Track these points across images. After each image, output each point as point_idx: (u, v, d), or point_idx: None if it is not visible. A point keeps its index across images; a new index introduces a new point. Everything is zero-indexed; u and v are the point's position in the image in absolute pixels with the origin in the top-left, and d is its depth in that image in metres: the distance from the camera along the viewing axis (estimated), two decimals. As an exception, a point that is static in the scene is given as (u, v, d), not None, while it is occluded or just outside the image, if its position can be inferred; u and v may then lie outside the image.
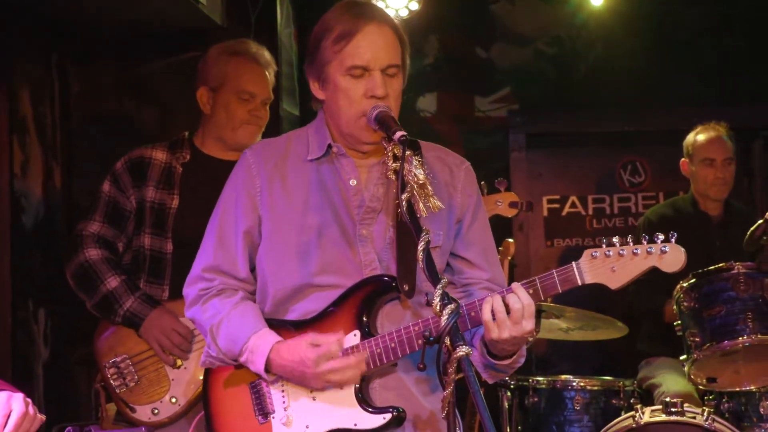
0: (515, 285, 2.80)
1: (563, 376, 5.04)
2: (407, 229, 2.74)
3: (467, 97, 6.59)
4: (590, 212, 6.67)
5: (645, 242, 2.78)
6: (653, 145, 6.61)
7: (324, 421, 2.91)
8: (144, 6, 5.03)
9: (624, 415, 4.59)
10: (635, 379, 5.20)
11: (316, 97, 3.04)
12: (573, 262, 2.81)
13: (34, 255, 5.09)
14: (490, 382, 2.99)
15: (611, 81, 6.48)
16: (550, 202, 6.69)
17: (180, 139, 4.29)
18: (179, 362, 4.03)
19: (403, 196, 2.69)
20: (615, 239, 2.79)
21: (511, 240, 5.22)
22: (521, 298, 2.76)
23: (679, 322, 4.74)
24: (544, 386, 4.98)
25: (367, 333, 2.90)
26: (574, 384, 4.97)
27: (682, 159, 5.55)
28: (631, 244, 2.78)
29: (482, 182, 4.38)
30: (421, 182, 2.72)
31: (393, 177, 2.81)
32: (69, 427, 3.27)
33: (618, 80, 6.47)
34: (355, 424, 2.88)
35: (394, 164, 2.79)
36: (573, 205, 6.68)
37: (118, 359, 4.07)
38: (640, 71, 6.46)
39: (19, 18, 5.01)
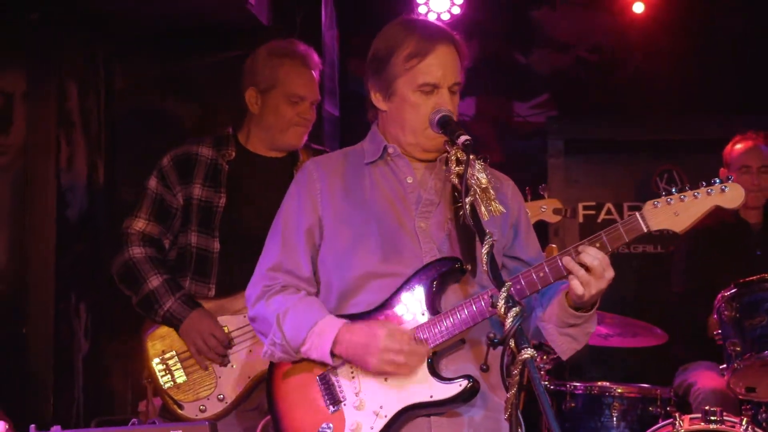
0: (583, 246, 2.87)
1: (600, 383, 5.04)
2: (466, 224, 2.82)
3: (506, 102, 6.60)
4: (626, 219, 6.64)
5: (703, 186, 2.87)
6: (690, 153, 6.58)
7: (398, 399, 2.95)
8: (192, 2, 5.06)
9: (662, 423, 4.57)
10: (671, 386, 5.19)
11: (377, 106, 3.14)
12: (636, 212, 2.91)
13: (77, 249, 5.12)
14: (565, 357, 3.01)
15: (650, 88, 6.47)
16: (586, 208, 6.67)
17: (225, 136, 4.27)
18: (210, 367, 4.04)
19: (467, 200, 2.75)
20: (673, 189, 2.90)
21: (554, 245, 5.22)
22: (595, 254, 2.84)
23: (720, 331, 4.73)
24: (581, 392, 4.98)
25: (435, 314, 2.97)
26: (612, 390, 4.96)
27: (721, 168, 5.54)
28: (689, 190, 2.89)
29: (527, 188, 4.42)
30: (483, 186, 2.81)
31: (456, 181, 2.89)
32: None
33: (657, 88, 6.46)
34: (431, 396, 2.92)
35: (457, 168, 2.86)
36: (609, 212, 6.67)
37: (166, 355, 4.07)
38: (679, 79, 6.44)
39: (66, 14, 5.06)
